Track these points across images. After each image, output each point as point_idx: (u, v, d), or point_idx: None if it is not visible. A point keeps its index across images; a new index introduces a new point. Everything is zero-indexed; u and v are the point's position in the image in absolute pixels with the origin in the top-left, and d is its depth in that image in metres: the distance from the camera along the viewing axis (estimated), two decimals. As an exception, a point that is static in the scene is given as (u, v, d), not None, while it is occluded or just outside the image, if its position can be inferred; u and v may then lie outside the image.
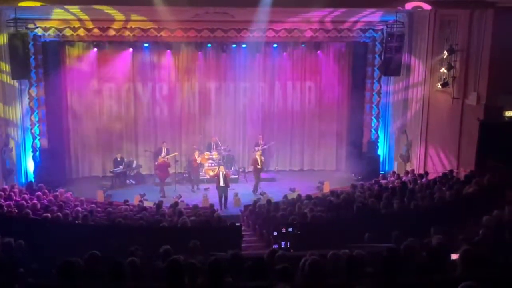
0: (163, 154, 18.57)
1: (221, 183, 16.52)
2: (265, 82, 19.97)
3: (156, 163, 18.39)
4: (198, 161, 18.28)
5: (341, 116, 20.18)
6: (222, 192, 16.61)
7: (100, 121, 19.35)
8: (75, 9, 15.98)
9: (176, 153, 18.62)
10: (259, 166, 17.98)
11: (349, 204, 12.41)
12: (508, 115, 14.41)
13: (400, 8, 15.72)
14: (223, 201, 16.54)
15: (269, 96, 20.09)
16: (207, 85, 19.69)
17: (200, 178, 18.39)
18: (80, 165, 19.42)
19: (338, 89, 20.09)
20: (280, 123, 20.06)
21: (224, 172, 16.87)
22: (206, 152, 18.89)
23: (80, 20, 16.80)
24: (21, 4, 13.32)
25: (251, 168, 18.60)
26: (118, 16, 16.68)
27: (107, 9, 16.13)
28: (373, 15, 17.61)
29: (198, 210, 13.29)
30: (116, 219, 11.51)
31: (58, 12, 16.34)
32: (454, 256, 6.04)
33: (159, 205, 13.78)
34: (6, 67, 16.07)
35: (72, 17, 16.65)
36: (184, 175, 19.11)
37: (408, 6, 15.14)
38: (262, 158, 18.26)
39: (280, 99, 20.11)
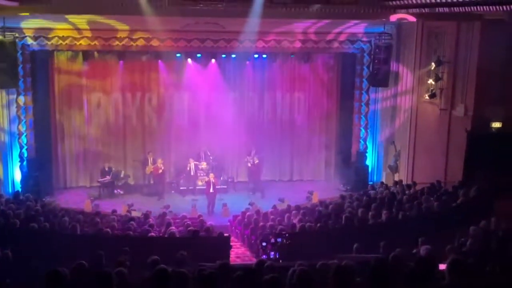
0: (149, 164, 18.54)
1: (211, 190, 16.92)
2: (254, 92, 19.92)
3: (150, 172, 18.47)
4: (189, 168, 18.30)
5: (330, 127, 20.13)
6: (211, 199, 17.00)
7: (88, 131, 19.14)
8: (63, 19, 15.99)
9: (160, 160, 18.30)
10: (249, 164, 18.31)
11: (338, 215, 12.52)
12: (495, 126, 14.55)
13: (385, 20, 15.95)
14: (210, 208, 16.83)
15: (259, 106, 20.01)
16: (196, 95, 19.52)
17: (190, 188, 18.36)
18: (68, 175, 19.14)
19: (327, 99, 20.09)
20: (269, 133, 19.84)
21: (213, 180, 17.22)
22: (195, 162, 18.57)
23: (68, 29, 16.57)
24: (21, 14, 13.38)
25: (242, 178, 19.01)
26: (108, 25, 16.42)
27: (97, 19, 16.03)
28: (361, 27, 17.66)
29: (187, 220, 13.25)
30: (103, 229, 11.40)
31: (45, 22, 16.11)
32: (442, 266, 6.09)
33: (146, 215, 13.72)
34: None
35: (61, 26, 16.44)
36: (172, 184, 18.89)
37: (393, 18, 15.36)
38: (255, 160, 18.52)
39: (269, 109, 20.06)
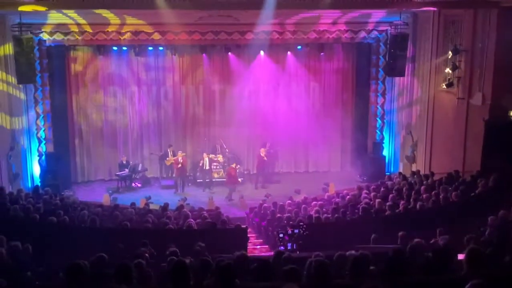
0: (170, 156, 18.75)
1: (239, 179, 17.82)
2: (269, 84, 19.89)
3: (170, 163, 18.62)
4: (203, 162, 18.27)
5: (345, 117, 19.94)
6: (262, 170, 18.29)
7: (105, 125, 19.34)
8: (74, 14, 15.76)
9: (182, 153, 18.32)
10: (265, 158, 18.38)
11: (355, 206, 12.44)
12: (513, 114, 14.44)
13: (404, 8, 15.81)
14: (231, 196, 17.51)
15: (274, 98, 19.95)
16: (211, 88, 19.68)
17: (207, 180, 18.51)
18: (86, 169, 19.31)
19: (343, 90, 19.98)
20: (285, 125, 19.50)
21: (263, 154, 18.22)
22: (211, 155, 18.84)
23: (84, 24, 16.73)
24: (21, 8, 13.48)
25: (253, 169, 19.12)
26: (122, 20, 16.61)
27: (110, 14, 16.10)
28: (377, 16, 17.61)
29: (204, 212, 13.33)
30: (122, 222, 11.47)
31: (61, 17, 16.19)
32: (460, 256, 6.05)
33: (164, 208, 13.80)
34: (11, 76, 15.78)
35: (74, 21, 16.49)
36: (190, 177, 18.98)
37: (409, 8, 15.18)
38: (265, 154, 18.47)
39: (285, 101, 19.94)
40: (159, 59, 19.23)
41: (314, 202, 13.92)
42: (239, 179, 18.61)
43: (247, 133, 19.93)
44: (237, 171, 18.30)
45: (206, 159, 18.58)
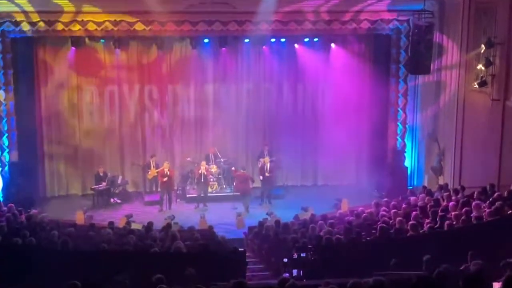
0: (152, 169, 18.76)
1: (266, 173, 17.89)
2: (271, 83, 19.89)
3: (152, 177, 18.66)
4: (201, 172, 18.05)
5: (361, 121, 19.80)
6: (267, 183, 18.13)
7: (80, 130, 19.27)
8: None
9: (168, 164, 18.28)
10: (267, 174, 18.19)
11: (372, 225, 12.52)
12: (557, 118, 14.41)
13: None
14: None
15: (277, 99, 19.96)
16: (204, 88, 19.67)
17: (201, 195, 18.21)
18: (56, 182, 19.31)
19: (357, 89, 19.76)
20: (290, 130, 19.67)
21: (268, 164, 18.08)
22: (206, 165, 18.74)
23: (57, 12, 16.63)
24: None
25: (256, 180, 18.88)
26: (99, 8, 16.66)
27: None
28: (397, 3, 17.58)
29: (195, 232, 13.29)
30: (99, 244, 11.50)
31: (25, 3, 16.10)
32: (496, 285, 6.02)
33: (148, 227, 13.77)
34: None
35: (47, 8, 16.49)
36: (178, 191, 18.92)
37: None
38: (269, 166, 18.31)
39: (290, 102, 19.98)
40: (143, 54, 19.17)
41: (324, 221, 13.90)
42: (251, 184, 18.47)
43: (245, 140, 19.99)
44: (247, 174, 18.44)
45: (203, 168, 18.23)
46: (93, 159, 19.44)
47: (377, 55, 19.70)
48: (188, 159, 19.36)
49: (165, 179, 18.00)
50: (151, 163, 18.91)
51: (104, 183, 18.44)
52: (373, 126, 19.75)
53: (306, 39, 19.19)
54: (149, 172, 18.92)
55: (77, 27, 17.02)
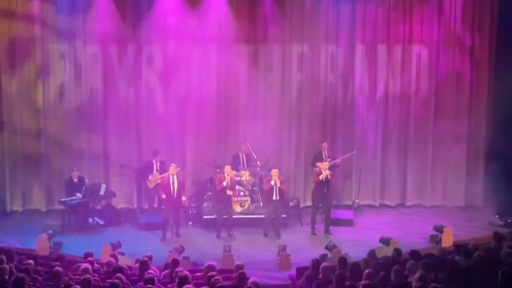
0: (155, 172, 17.93)
1: (274, 197, 17.53)
2: (336, 45, 19.21)
3: (155, 181, 18.10)
4: (226, 184, 17.53)
5: (475, 116, 19.35)
6: (274, 210, 17.58)
7: (45, 119, 18.83)
8: None
9: (174, 167, 17.46)
10: (322, 176, 17.66)
11: (491, 269, 11.83)
12: None
13: None
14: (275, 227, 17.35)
15: (343, 70, 19.27)
16: (230, 55, 19.09)
17: (224, 217, 17.68)
18: (9, 193, 18.78)
19: (471, 64, 19.23)
20: (361, 123, 19.31)
21: (279, 185, 17.48)
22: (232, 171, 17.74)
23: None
24: None
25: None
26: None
27: None
28: None
29: (214, 274, 12.91)
30: (69, 286, 11.07)
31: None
32: None
33: (145, 264, 13.30)
34: None
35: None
36: (190, 210, 18.33)
37: None
38: (329, 173, 17.58)
39: (363, 78, 19.31)
40: (143, 9, 19.00)
41: (415, 261, 13.41)
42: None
43: (294, 135, 19.61)
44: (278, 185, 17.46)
45: (228, 178, 17.48)
46: (63, 160, 18.88)
47: (504, 23, 18.94)
48: (208, 161, 18.52)
49: (171, 190, 17.52)
50: (154, 164, 18.09)
51: (79, 194, 17.63)
52: (494, 124, 19.30)
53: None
54: (150, 177, 17.90)
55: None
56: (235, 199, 18.28)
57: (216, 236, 17.53)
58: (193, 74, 19.48)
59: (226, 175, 17.47)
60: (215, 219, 17.88)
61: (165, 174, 17.56)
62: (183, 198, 17.93)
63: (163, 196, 17.26)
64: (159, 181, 17.75)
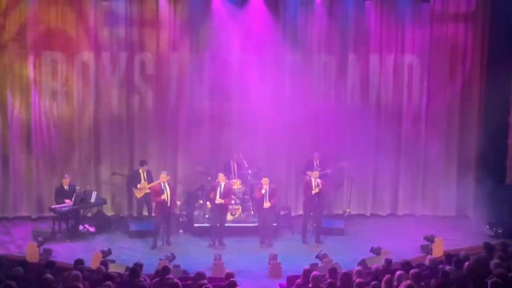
0: (142, 182, 18.09)
1: (266, 203, 17.37)
2: (329, 54, 19.16)
3: (143, 194, 18.17)
4: (219, 189, 17.23)
5: (467, 122, 19.41)
6: (264, 219, 17.45)
7: (34, 119, 18.73)
8: None
9: (165, 175, 17.46)
10: (314, 191, 17.49)
11: (480, 279, 11.88)
12: None
13: None
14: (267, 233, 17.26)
15: (337, 79, 19.22)
16: (223, 59, 18.91)
17: (216, 224, 17.57)
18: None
19: (463, 72, 19.29)
20: (355, 132, 19.18)
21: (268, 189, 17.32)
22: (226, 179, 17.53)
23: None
24: None
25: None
26: None
27: None
28: None
29: (205, 282, 12.93)
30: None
31: None
32: None
33: (135, 271, 13.32)
34: None
35: None
36: (180, 218, 18.37)
37: None
38: (319, 182, 17.50)
39: (357, 86, 19.35)
40: (134, 5, 18.77)
41: (405, 271, 13.45)
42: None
43: (287, 143, 19.41)
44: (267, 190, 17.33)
45: (222, 184, 17.33)
46: (54, 166, 18.89)
47: (496, 21, 18.95)
48: (199, 168, 18.60)
49: (162, 198, 17.26)
50: (141, 174, 18.06)
51: (69, 201, 17.69)
52: (485, 130, 19.37)
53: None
54: (137, 187, 17.89)
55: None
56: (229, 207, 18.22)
57: (209, 245, 17.56)
58: (183, 86, 19.95)
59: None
60: (210, 228, 17.96)
61: (155, 183, 17.55)
62: (178, 202, 18.27)
63: (163, 196, 17.38)
64: (147, 191, 17.82)
